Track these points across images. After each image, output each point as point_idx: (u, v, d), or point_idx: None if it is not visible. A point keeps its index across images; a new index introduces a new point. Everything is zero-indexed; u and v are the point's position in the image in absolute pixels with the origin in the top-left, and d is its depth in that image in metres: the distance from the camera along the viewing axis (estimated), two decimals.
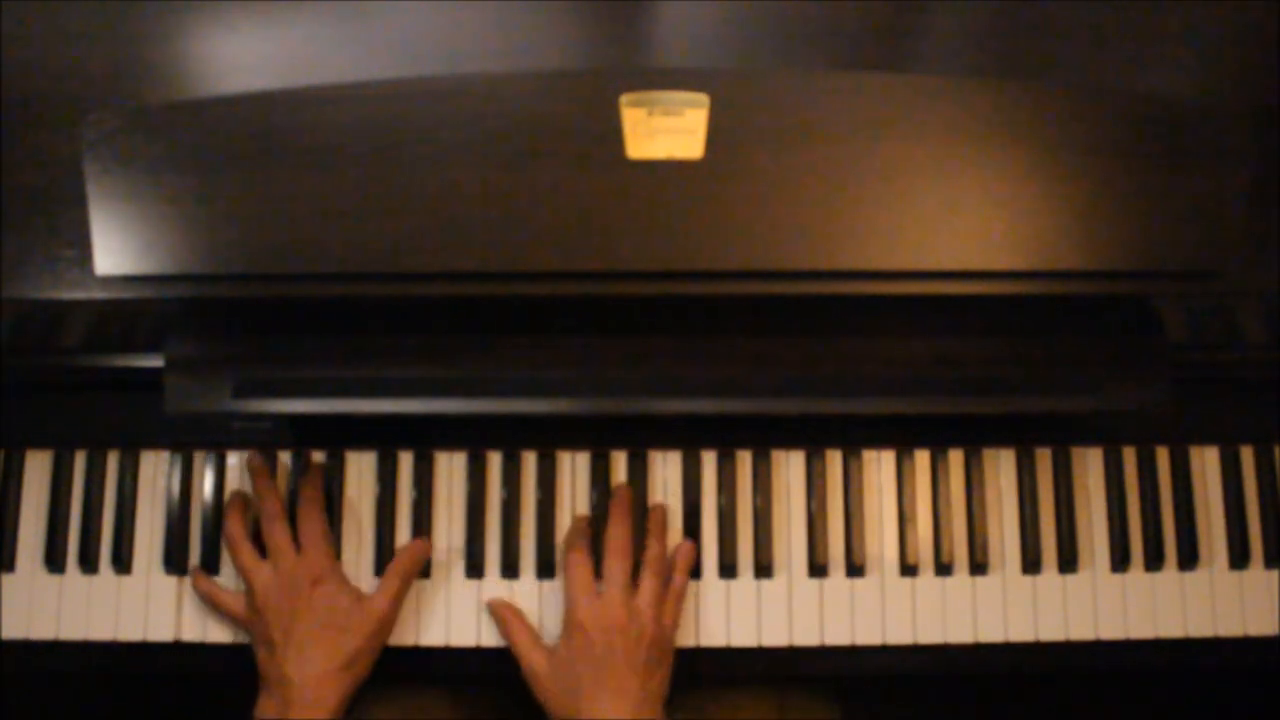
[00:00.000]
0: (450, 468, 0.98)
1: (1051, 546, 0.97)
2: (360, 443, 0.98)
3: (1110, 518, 0.98)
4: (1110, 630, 0.96)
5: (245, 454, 0.98)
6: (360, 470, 0.98)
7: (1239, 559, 0.97)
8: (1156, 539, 0.97)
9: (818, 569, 0.96)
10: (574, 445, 0.98)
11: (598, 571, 0.92)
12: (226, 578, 0.96)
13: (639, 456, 0.98)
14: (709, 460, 0.98)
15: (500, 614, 0.94)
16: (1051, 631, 0.95)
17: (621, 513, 0.94)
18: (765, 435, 0.98)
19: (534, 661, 0.90)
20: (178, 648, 0.95)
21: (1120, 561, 0.96)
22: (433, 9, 0.87)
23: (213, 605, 0.94)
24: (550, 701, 0.88)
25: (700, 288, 0.81)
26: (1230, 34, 0.88)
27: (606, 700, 0.86)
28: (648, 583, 0.91)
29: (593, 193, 0.80)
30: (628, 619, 0.88)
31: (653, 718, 0.87)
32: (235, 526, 0.93)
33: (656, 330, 0.88)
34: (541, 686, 0.89)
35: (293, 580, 0.89)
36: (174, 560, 0.96)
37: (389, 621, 0.91)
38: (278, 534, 0.92)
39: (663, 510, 0.96)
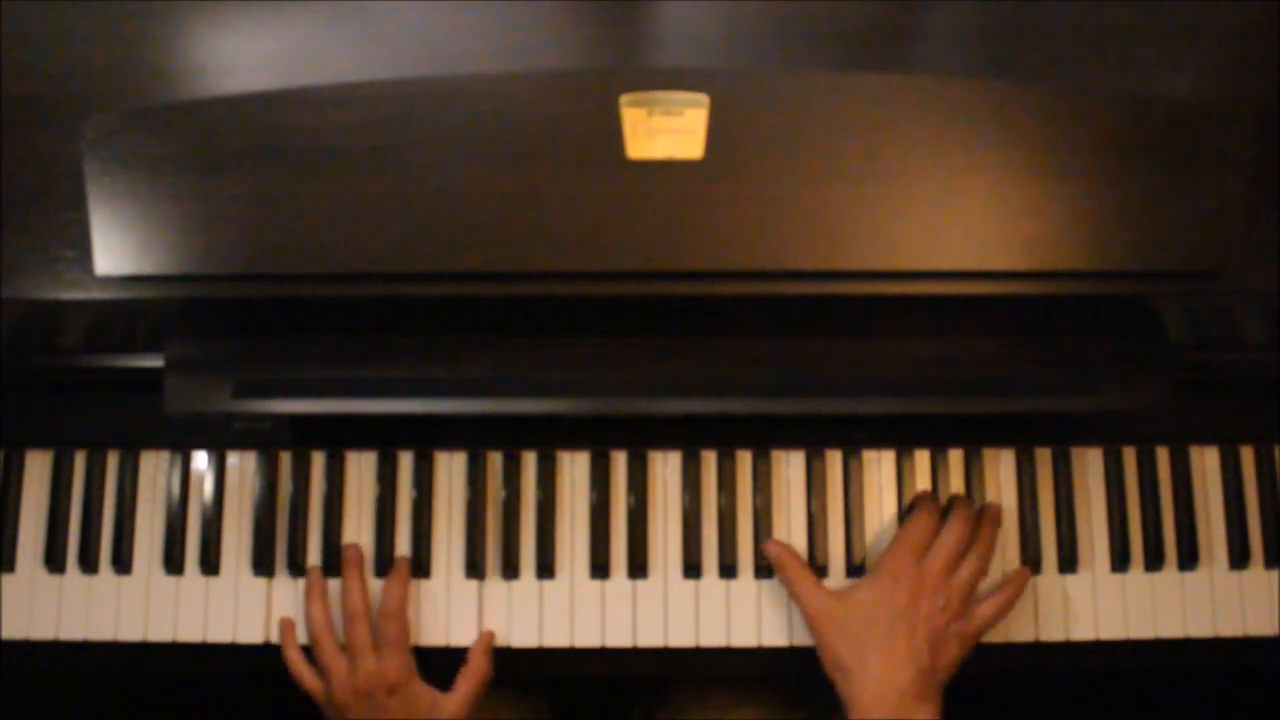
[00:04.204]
0: (450, 468, 0.98)
1: (1051, 546, 0.97)
2: (360, 443, 0.98)
3: (1110, 518, 0.98)
4: (1110, 630, 0.96)
5: (245, 454, 0.98)
6: (360, 470, 0.98)
7: (1239, 559, 0.97)
8: (1156, 539, 0.97)
9: (818, 569, 0.96)
10: (574, 445, 0.98)
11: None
12: (226, 578, 0.96)
13: (639, 456, 0.98)
14: (709, 460, 0.98)
15: (779, 558, 0.93)
16: (1051, 631, 0.96)
17: (968, 512, 0.93)
18: (765, 435, 0.98)
19: (823, 602, 0.90)
20: (177, 648, 0.95)
21: (1120, 561, 0.96)
22: (433, 9, 0.87)
23: (294, 675, 0.93)
24: (833, 642, 0.88)
25: (700, 288, 0.81)
26: (1230, 34, 0.88)
27: (892, 658, 0.85)
28: (970, 564, 0.90)
29: (593, 193, 0.80)
30: (939, 586, 0.88)
31: (929, 698, 0.85)
32: (319, 614, 0.92)
33: (656, 330, 0.88)
34: (829, 628, 0.89)
35: (369, 684, 0.88)
36: (174, 560, 0.96)
37: None
38: (359, 634, 0.91)
39: (998, 511, 0.95)
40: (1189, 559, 0.97)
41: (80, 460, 0.98)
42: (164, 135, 0.80)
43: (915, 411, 0.88)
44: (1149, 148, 0.81)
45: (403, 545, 0.96)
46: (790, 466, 0.98)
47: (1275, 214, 0.84)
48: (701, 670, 0.96)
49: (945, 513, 0.94)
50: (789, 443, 0.98)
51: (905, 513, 0.96)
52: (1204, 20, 0.88)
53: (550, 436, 0.98)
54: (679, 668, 0.96)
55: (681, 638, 0.95)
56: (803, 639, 0.95)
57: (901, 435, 0.98)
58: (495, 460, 0.98)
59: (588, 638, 0.95)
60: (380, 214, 0.79)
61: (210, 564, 0.96)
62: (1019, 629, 0.95)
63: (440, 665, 0.94)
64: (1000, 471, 0.98)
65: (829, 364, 0.88)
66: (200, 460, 0.98)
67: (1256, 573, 0.97)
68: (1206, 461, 0.99)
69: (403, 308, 0.86)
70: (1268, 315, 0.90)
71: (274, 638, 0.95)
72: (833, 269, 0.80)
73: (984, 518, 0.94)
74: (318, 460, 0.98)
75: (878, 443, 0.98)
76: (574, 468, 0.98)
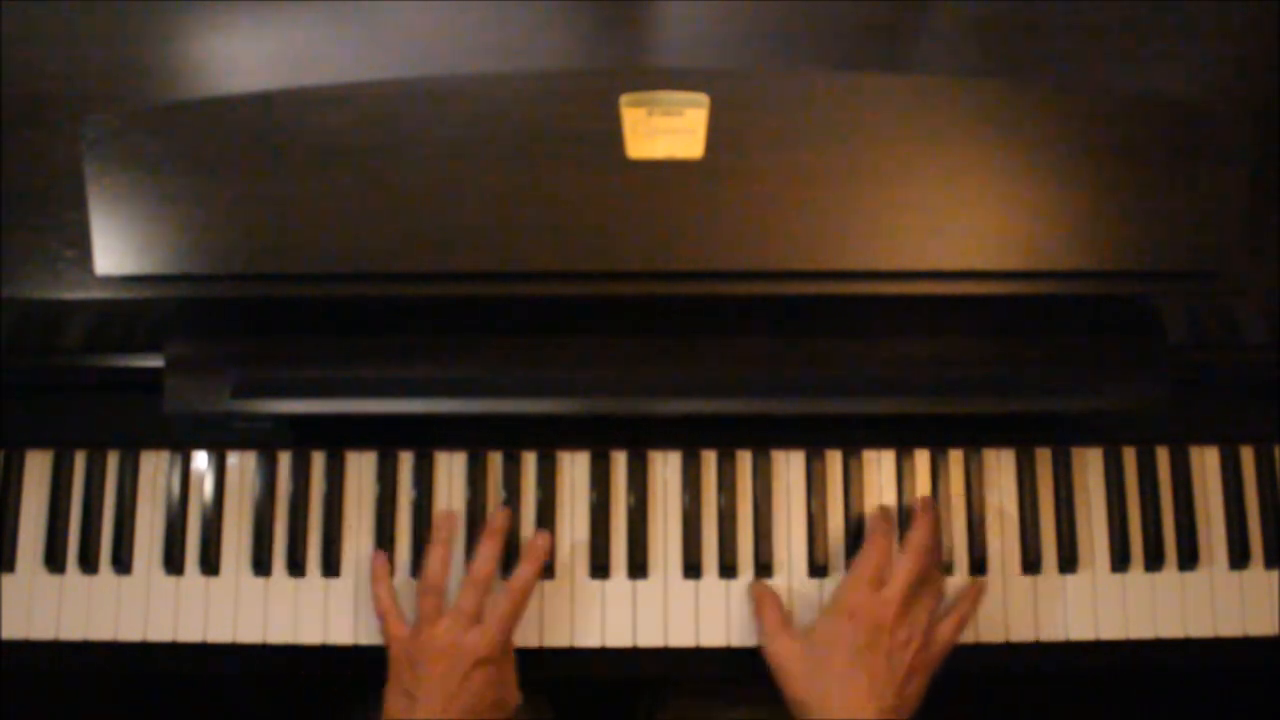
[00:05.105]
0: (450, 468, 0.98)
1: (1051, 546, 0.97)
2: (360, 443, 0.98)
3: (1110, 518, 0.98)
4: (1110, 630, 0.96)
5: (245, 454, 0.98)
6: (360, 470, 0.98)
7: (1239, 559, 0.97)
8: (1156, 539, 0.97)
9: (817, 569, 0.96)
10: (574, 445, 0.98)
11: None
12: (226, 578, 0.96)
13: (639, 456, 0.98)
14: (709, 460, 0.98)
15: (755, 593, 0.93)
16: (1052, 631, 0.95)
17: (930, 520, 0.92)
18: (765, 435, 0.98)
19: (783, 642, 0.89)
20: (177, 648, 0.95)
21: (1120, 561, 0.96)
22: (433, 9, 0.87)
23: (377, 608, 0.91)
24: (793, 682, 0.87)
25: (700, 288, 0.81)
26: (1230, 34, 0.88)
27: (858, 694, 0.84)
28: (928, 591, 0.89)
29: (593, 193, 0.80)
30: (898, 618, 0.86)
31: None
32: (439, 565, 0.90)
33: (656, 330, 0.88)
34: (789, 668, 0.87)
35: (461, 650, 0.86)
36: (174, 560, 0.96)
37: None
38: (473, 599, 0.88)
39: (935, 521, 0.94)
40: (1189, 559, 0.97)
41: (80, 460, 0.98)
42: (164, 135, 0.80)
43: (915, 411, 0.88)
44: (1149, 148, 0.81)
45: (403, 545, 0.96)
46: (790, 466, 0.98)
47: (1275, 214, 0.84)
48: (701, 670, 0.96)
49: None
50: (789, 443, 0.98)
51: (899, 523, 0.96)
52: (1204, 20, 0.88)
53: (550, 436, 0.98)
54: (679, 668, 0.96)
55: (681, 638, 0.95)
56: None
57: (901, 435, 0.98)
58: (495, 460, 0.98)
59: (588, 638, 0.95)
60: (380, 214, 0.79)
61: (210, 564, 0.96)
62: (1019, 629, 0.95)
63: None
64: (1000, 471, 0.98)
65: (829, 364, 0.88)
66: (200, 460, 0.98)
67: (1256, 573, 0.97)
68: (1206, 461, 0.99)
69: (403, 308, 0.86)
70: (1268, 315, 0.90)
71: (272, 638, 0.95)
72: (833, 269, 0.80)
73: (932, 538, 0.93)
74: (318, 460, 0.98)
75: (878, 443, 0.98)
76: (574, 468, 0.98)
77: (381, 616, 0.91)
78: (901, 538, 0.92)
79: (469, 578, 0.90)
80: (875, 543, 0.91)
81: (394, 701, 0.86)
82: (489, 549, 0.91)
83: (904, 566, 0.88)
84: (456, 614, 0.87)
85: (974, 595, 0.93)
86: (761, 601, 0.93)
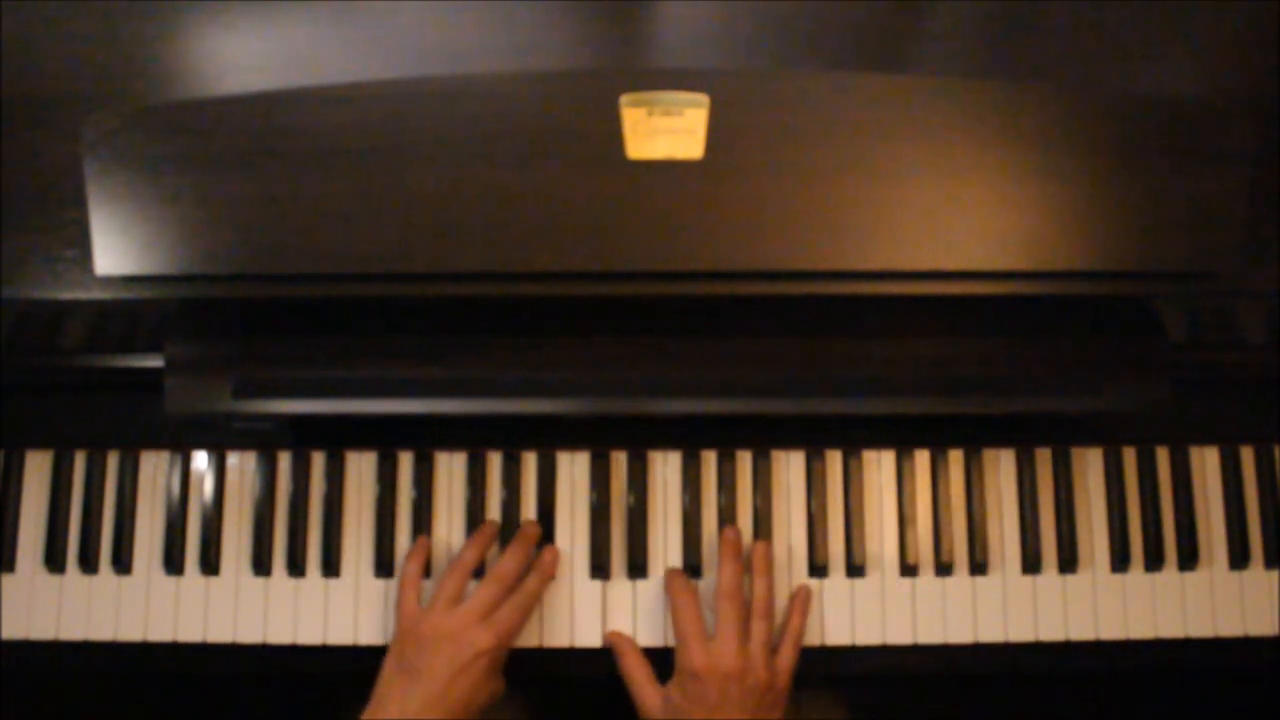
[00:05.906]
0: (450, 468, 0.98)
1: (1051, 546, 0.97)
2: (360, 443, 0.98)
3: (1110, 518, 0.98)
4: (1110, 630, 0.96)
5: (245, 454, 0.98)
6: (360, 470, 0.98)
7: (1239, 559, 0.97)
8: (1156, 539, 0.97)
9: (818, 569, 0.96)
10: (574, 445, 0.98)
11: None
12: (226, 578, 0.96)
13: (639, 456, 0.98)
14: (709, 460, 0.98)
15: (619, 648, 0.94)
16: (1051, 631, 0.96)
17: (732, 554, 0.93)
18: (765, 435, 0.98)
19: (648, 700, 0.90)
20: (177, 648, 0.95)
21: (1120, 561, 0.96)
22: (433, 9, 0.87)
23: (402, 580, 0.93)
24: None
25: (700, 288, 0.81)
26: (1230, 34, 0.88)
27: None
28: (758, 626, 0.90)
29: (593, 193, 0.80)
30: (742, 666, 0.88)
31: None
32: (474, 555, 0.93)
33: (657, 330, 0.88)
34: None
35: (469, 640, 0.88)
36: (174, 560, 0.96)
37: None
38: (492, 594, 0.91)
39: (766, 548, 0.95)
40: (1189, 559, 0.97)
41: (80, 460, 0.98)
42: (164, 135, 0.80)
43: (915, 411, 0.88)
44: (1149, 148, 0.81)
45: (403, 545, 0.96)
46: (790, 466, 0.98)
47: (1275, 214, 0.84)
48: None
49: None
50: (789, 443, 0.98)
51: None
52: (1204, 20, 0.88)
53: (550, 436, 0.98)
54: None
55: None
56: (804, 640, 0.95)
57: (901, 435, 0.98)
58: (495, 460, 0.98)
59: (588, 638, 0.95)
60: (380, 214, 0.79)
61: (210, 564, 0.96)
62: (1019, 629, 0.96)
63: None
64: (1000, 471, 0.98)
65: (829, 364, 0.88)
66: (200, 460, 0.98)
67: (1256, 573, 0.97)
68: (1206, 461, 0.99)
69: (403, 308, 0.86)
70: (1268, 315, 0.90)
71: (272, 638, 0.95)
72: (833, 269, 0.80)
73: (754, 569, 0.94)
74: (318, 460, 0.98)
75: (878, 443, 0.98)
76: (574, 468, 0.98)
77: (402, 587, 0.93)
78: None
79: (494, 574, 0.92)
80: (678, 601, 0.92)
81: (392, 676, 0.88)
82: (518, 553, 0.93)
83: (723, 614, 0.90)
84: (474, 605, 0.90)
85: (801, 607, 0.94)
86: (624, 655, 0.93)
